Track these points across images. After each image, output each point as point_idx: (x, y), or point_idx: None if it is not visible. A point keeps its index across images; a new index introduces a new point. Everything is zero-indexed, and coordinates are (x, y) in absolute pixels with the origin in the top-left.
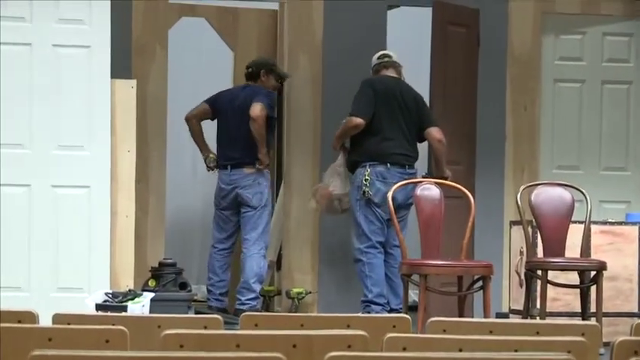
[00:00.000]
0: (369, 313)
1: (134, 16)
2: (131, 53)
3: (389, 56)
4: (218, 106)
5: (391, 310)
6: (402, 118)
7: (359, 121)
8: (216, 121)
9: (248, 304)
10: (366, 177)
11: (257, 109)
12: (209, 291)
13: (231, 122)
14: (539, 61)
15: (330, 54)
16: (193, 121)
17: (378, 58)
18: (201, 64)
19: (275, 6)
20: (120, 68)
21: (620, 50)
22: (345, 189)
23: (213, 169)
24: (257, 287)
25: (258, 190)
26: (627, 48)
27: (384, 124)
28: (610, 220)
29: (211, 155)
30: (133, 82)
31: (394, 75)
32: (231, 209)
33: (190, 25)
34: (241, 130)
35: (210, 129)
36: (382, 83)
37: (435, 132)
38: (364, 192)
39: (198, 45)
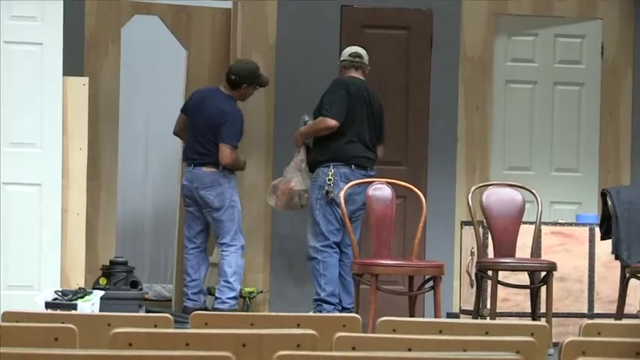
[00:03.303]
0: (320, 312)
1: (87, 13)
2: (84, 50)
3: (360, 57)
4: (188, 106)
5: (343, 309)
6: (368, 123)
7: (333, 123)
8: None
9: (228, 302)
10: (330, 177)
11: (226, 157)
12: (184, 292)
13: (197, 122)
14: (492, 62)
15: (283, 53)
16: (182, 133)
17: (350, 55)
18: (155, 62)
19: (229, 5)
20: (72, 65)
21: (572, 52)
22: (305, 185)
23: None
24: (237, 286)
25: (219, 190)
26: (579, 50)
27: (352, 127)
28: (561, 221)
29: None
30: (85, 80)
31: (362, 77)
32: (195, 205)
33: (144, 23)
34: (205, 133)
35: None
36: (355, 86)
37: (380, 150)
38: (327, 192)
39: (151, 43)
